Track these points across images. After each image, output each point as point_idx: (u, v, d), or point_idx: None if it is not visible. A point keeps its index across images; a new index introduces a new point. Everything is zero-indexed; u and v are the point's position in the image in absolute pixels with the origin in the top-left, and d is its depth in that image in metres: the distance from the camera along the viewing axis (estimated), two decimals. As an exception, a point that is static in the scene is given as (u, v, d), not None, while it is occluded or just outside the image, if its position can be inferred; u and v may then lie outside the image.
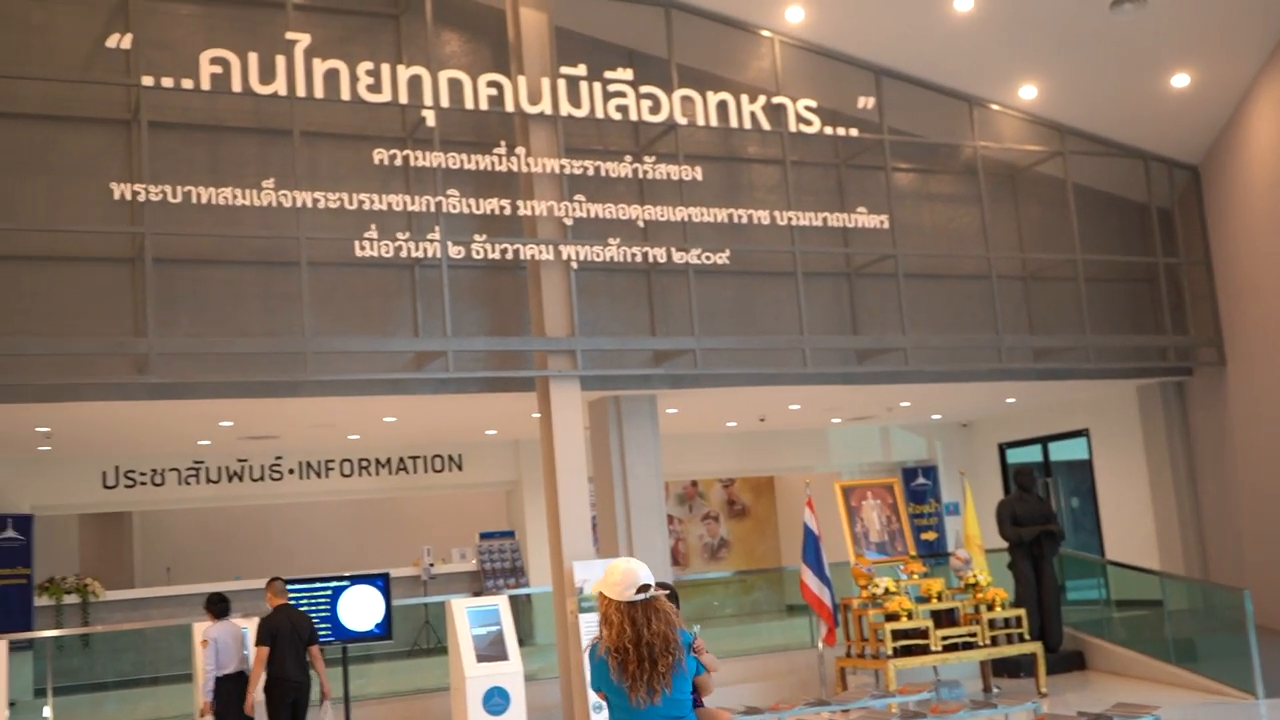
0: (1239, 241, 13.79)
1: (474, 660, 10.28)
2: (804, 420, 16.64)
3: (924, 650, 11.44)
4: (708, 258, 11.41)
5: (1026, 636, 12.10)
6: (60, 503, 15.12)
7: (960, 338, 12.86)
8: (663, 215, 11.35)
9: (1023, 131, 13.65)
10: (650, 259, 11.22)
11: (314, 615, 10.61)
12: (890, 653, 11.27)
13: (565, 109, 11.02)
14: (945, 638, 11.58)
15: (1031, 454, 17.66)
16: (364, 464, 16.39)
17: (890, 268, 12.53)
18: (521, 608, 15.41)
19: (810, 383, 12.34)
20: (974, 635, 11.76)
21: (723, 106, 11.74)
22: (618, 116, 11.30)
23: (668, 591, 4.84)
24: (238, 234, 9.99)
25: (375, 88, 10.39)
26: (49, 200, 9.57)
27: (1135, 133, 13.89)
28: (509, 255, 10.65)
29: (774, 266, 12.12)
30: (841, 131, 12.28)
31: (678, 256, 11.29)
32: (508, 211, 10.76)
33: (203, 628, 9.93)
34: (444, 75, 10.67)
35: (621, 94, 11.31)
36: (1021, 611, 12.17)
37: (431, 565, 16.73)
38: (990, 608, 11.93)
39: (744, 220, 11.69)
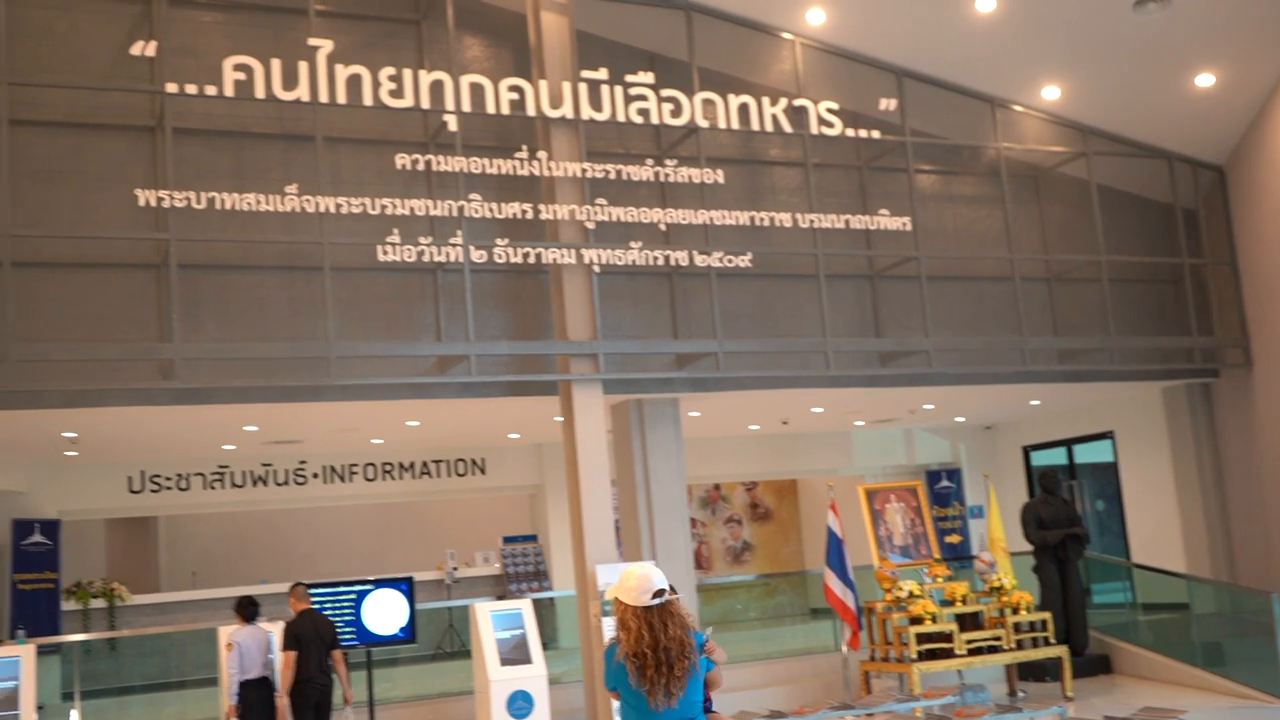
0: (1265, 242, 13.67)
1: (498, 664, 10.33)
2: (827, 423, 16.59)
3: (948, 654, 11.40)
4: (730, 261, 11.40)
5: (1052, 640, 12.04)
6: (86, 508, 15.23)
7: (984, 340, 12.79)
8: (684, 218, 11.34)
9: (1046, 132, 13.58)
10: (672, 262, 11.22)
11: (338, 619, 10.67)
12: (914, 656, 11.24)
13: (586, 113, 11.03)
14: (970, 641, 11.54)
15: (1056, 456, 17.56)
16: (387, 468, 16.44)
17: (913, 270, 12.48)
18: (545, 611, 15.43)
19: (833, 385, 12.30)
20: (999, 639, 11.71)
21: (744, 109, 11.73)
22: (639, 120, 11.30)
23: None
24: (261, 239, 10.04)
25: (397, 93, 10.43)
26: (74, 207, 9.63)
27: (1159, 133, 13.80)
28: (531, 259, 10.67)
29: (796, 269, 12.09)
30: (863, 133, 12.25)
31: (700, 259, 11.29)
32: (530, 215, 10.78)
33: (229, 631, 10.00)
34: (465, 80, 10.70)
35: (643, 97, 11.32)
36: (1047, 615, 12.12)
37: (455, 569, 16.79)
38: (1015, 611, 11.88)
39: (766, 223, 11.69)
